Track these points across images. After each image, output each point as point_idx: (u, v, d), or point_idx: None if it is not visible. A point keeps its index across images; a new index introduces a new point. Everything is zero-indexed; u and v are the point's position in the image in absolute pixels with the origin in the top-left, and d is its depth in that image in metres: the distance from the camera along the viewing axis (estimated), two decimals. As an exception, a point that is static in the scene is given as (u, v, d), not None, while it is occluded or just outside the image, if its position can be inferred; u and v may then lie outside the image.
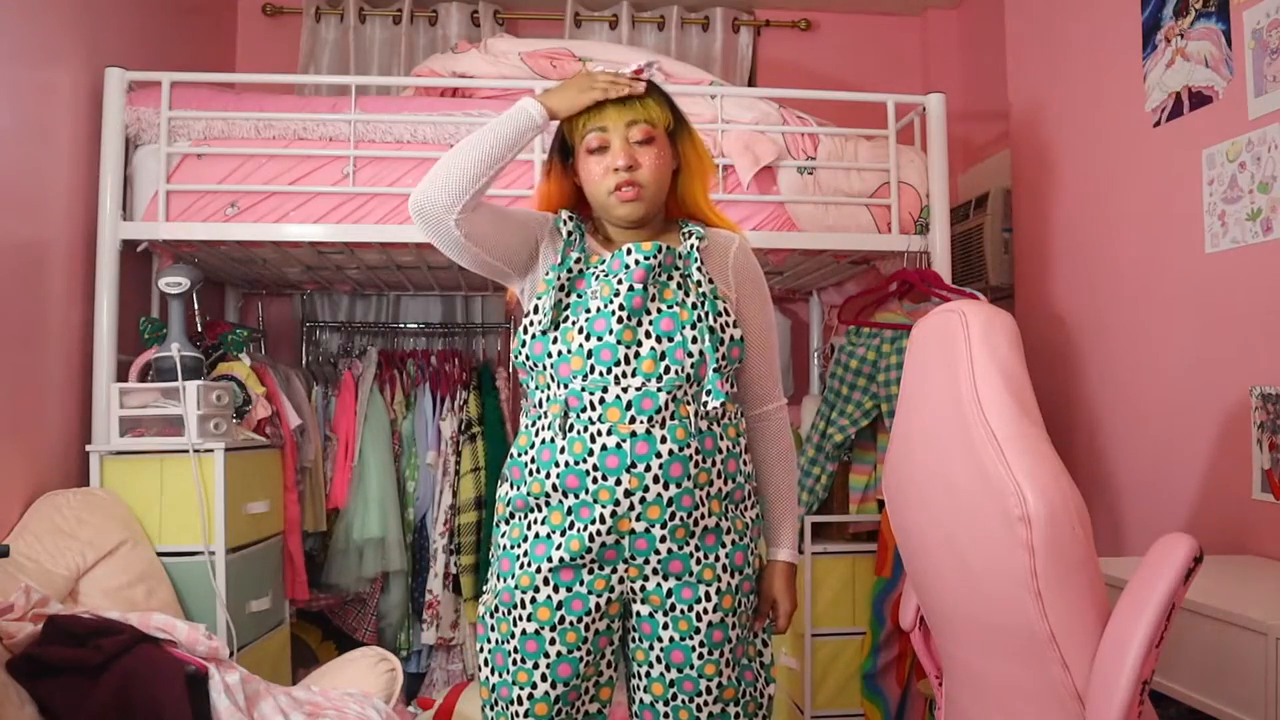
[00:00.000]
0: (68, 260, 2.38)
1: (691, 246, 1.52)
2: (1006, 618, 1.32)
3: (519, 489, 1.47)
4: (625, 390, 1.40)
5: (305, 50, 3.53)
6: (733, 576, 1.47)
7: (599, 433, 1.40)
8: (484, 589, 1.53)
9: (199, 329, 2.66)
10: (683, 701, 1.46)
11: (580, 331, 1.43)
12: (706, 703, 1.45)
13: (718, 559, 1.46)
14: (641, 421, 1.39)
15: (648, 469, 1.39)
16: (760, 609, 1.55)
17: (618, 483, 1.39)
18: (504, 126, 1.46)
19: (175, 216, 2.46)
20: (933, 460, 1.46)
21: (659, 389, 1.41)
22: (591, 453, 1.40)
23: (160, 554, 2.25)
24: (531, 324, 1.48)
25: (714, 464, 1.45)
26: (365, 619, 3.07)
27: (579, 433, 1.41)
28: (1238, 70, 2.03)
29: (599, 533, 1.40)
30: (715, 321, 1.46)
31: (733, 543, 1.48)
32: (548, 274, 1.50)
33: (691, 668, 1.45)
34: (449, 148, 2.51)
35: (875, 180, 2.67)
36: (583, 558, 1.42)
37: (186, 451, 2.28)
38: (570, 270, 1.48)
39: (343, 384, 3.05)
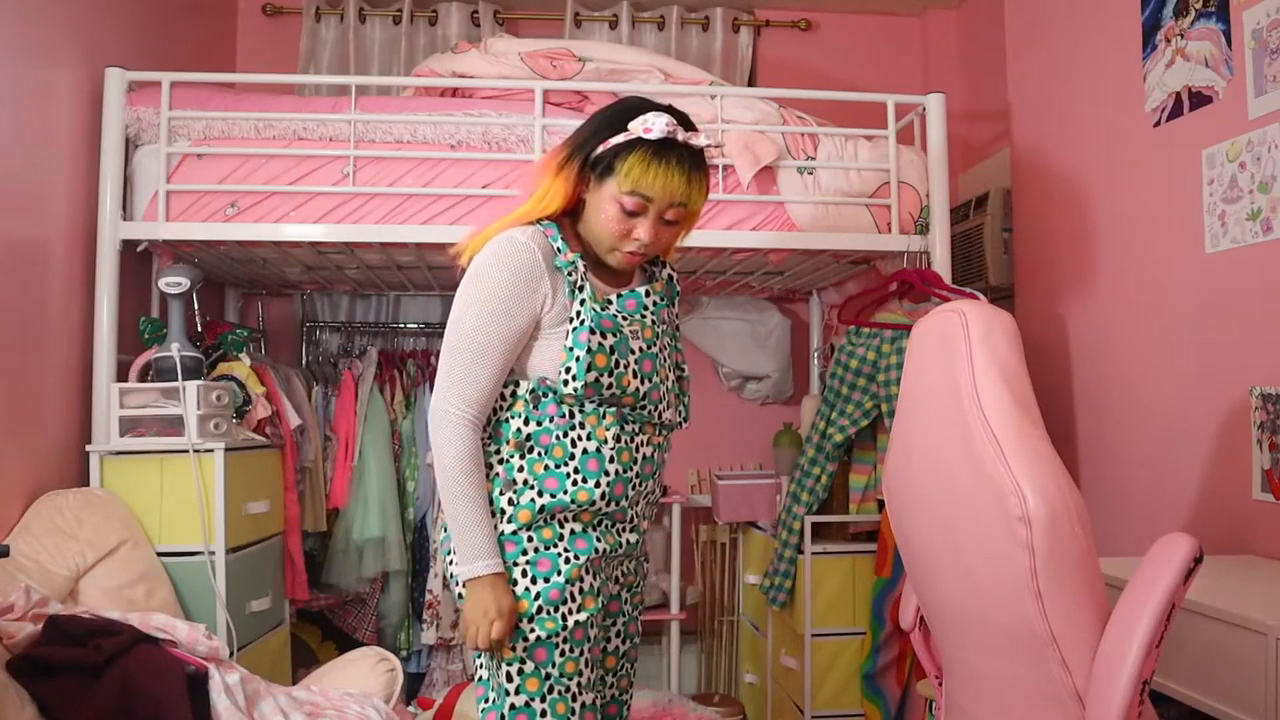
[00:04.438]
0: (68, 260, 2.38)
1: (671, 276, 1.67)
2: (1006, 618, 1.32)
3: (556, 497, 1.45)
4: (662, 417, 1.55)
5: (305, 50, 3.53)
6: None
7: (640, 444, 1.52)
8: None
9: (199, 329, 2.66)
10: (630, 666, 1.65)
11: (635, 375, 1.48)
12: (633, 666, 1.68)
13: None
14: (663, 436, 1.57)
15: (660, 474, 1.59)
16: None
17: (650, 489, 1.56)
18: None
19: (175, 216, 2.46)
20: (933, 460, 1.46)
21: (680, 416, 1.63)
22: (636, 461, 1.51)
23: (160, 554, 2.25)
24: (574, 373, 1.44)
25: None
26: (365, 619, 3.07)
27: (626, 444, 1.49)
28: (1238, 70, 2.03)
29: (628, 529, 1.55)
30: (680, 346, 1.66)
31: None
32: (580, 321, 1.45)
33: (637, 635, 1.66)
34: (449, 148, 2.54)
35: (875, 180, 2.67)
36: (616, 551, 1.53)
37: (186, 451, 2.28)
38: (596, 313, 1.46)
39: (343, 384, 3.05)
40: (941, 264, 2.64)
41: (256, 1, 3.57)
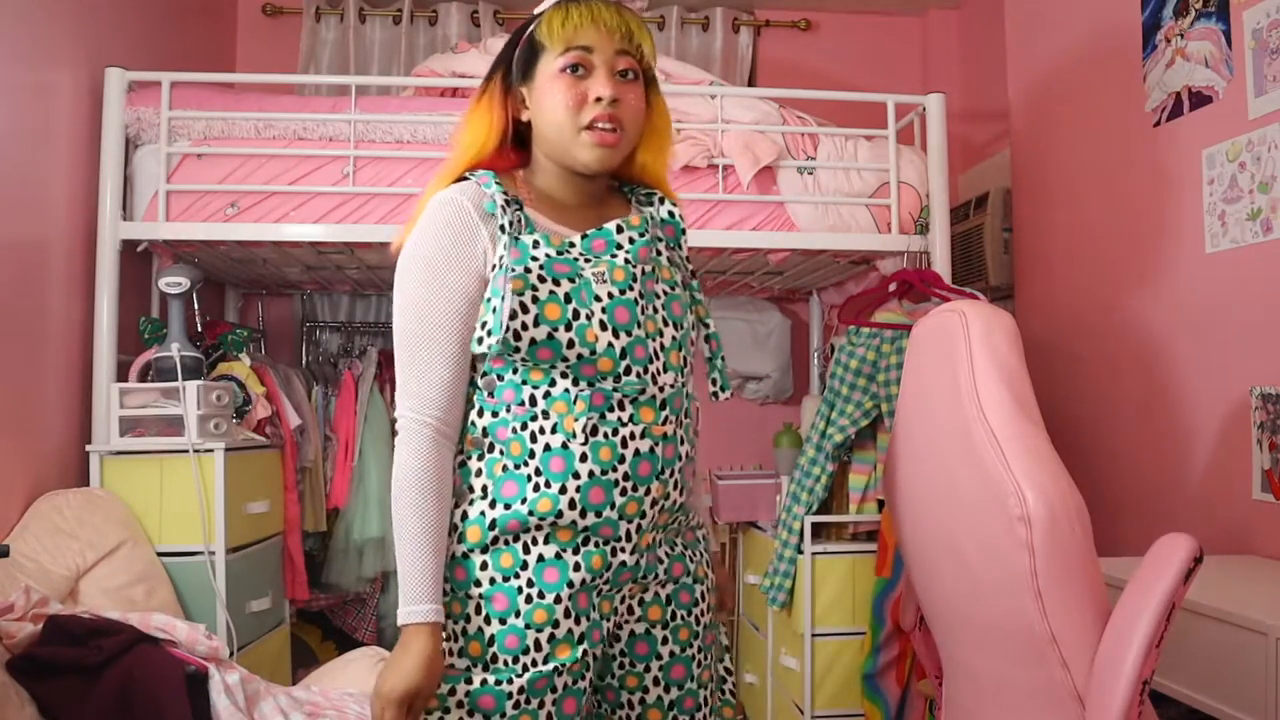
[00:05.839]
0: (68, 260, 2.38)
1: (671, 214, 1.33)
2: (1006, 618, 1.32)
3: (512, 508, 1.18)
4: (661, 389, 1.21)
5: (305, 50, 3.53)
6: (711, 572, 1.35)
7: (631, 435, 1.19)
8: (451, 648, 1.17)
9: (199, 329, 2.66)
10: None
11: (603, 327, 1.17)
12: (706, 716, 1.31)
13: (700, 555, 1.33)
14: (671, 421, 1.22)
15: (671, 474, 1.22)
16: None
17: (647, 492, 1.20)
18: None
19: (175, 216, 2.46)
20: (933, 460, 1.46)
21: (683, 383, 1.25)
22: (623, 459, 1.18)
23: (160, 554, 2.25)
24: (490, 328, 1.17)
25: (693, 464, 1.31)
26: (365, 619, 3.07)
27: (606, 436, 1.18)
28: (1238, 70, 2.03)
29: (621, 549, 1.21)
30: (702, 298, 1.33)
31: (703, 537, 1.35)
32: (499, 264, 1.18)
33: (692, 679, 1.29)
34: (449, 148, 2.54)
35: (875, 180, 2.67)
36: (600, 577, 1.20)
37: (186, 451, 2.28)
38: (529, 254, 1.18)
39: (343, 384, 3.05)
40: (941, 264, 2.64)
41: (256, 1, 3.57)
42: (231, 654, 2.17)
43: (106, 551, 2.12)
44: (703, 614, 1.31)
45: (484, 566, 1.18)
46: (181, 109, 2.48)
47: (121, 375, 2.46)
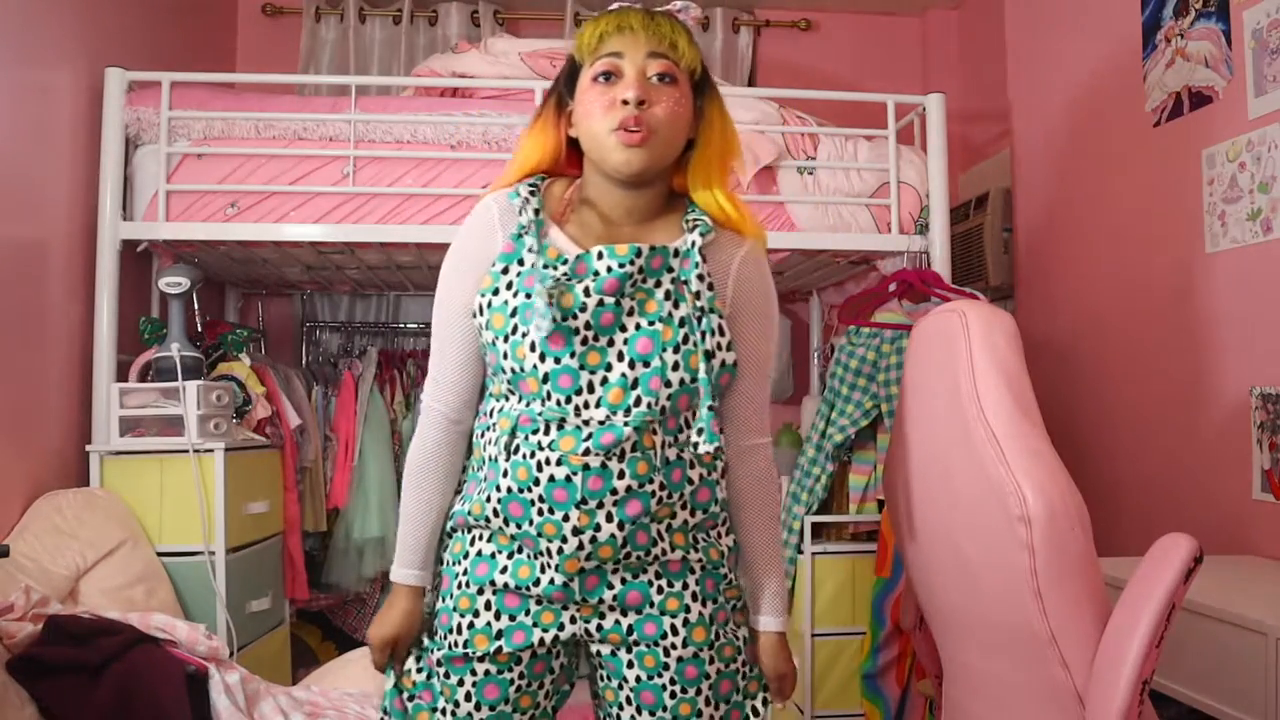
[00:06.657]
0: (68, 260, 2.38)
1: (693, 244, 1.24)
2: (1006, 617, 1.32)
3: (463, 505, 1.29)
4: (586, 422, 1.18)
5: (305, 50, 3.53)
6: (704, 605, 1.26)
7: (547, 460, 1.18)
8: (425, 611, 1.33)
9: (199, 329, 2.66)
10: None
11: (533, 349, 1.18)
12: None
13: (685, 586, 1.25)
14: (598, 455, 1.17)
15: (600, 505, 1.18)
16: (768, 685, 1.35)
17: (565, 518, 1.18)
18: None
19: (175, 216, 2.46)
20: (933, 460, 1.46)
21: (625, 423, 1.18)
22: (538, 481, 1.19)
23: (160, 554, 2.25)
24: (487, 326, 1.23)
25: (680, 496, 1.22)
26: (365, 619, 3.08)
27: (525, 457, 1.19)
28: (1238, 70, 2.03)
29: (548, 566, 1.22)
30: (711, 342, 1.21)
31: (701, 568, 1.27)
32: (494, 265, 1.23)
33: (664, 709, 1.25)
34: (449, 148, 2.54)
35: (875, 180, 2.67)
36: (529, 589, 1.23)
37: (186, 451, 2.28)
38: (521, 262, 1.21)
39: (343, 384, 3.05)
40: (941, 264, 2.64)
41: (256, 1, 3.57)
42: (231, 654, 2.17)
43: (106, 551, 2.12)
44: (675, 646, 1.24)
45: (445, 549, 1.33)
46: (181, 109, 2.48)
47: (121, 375, 2.46)
